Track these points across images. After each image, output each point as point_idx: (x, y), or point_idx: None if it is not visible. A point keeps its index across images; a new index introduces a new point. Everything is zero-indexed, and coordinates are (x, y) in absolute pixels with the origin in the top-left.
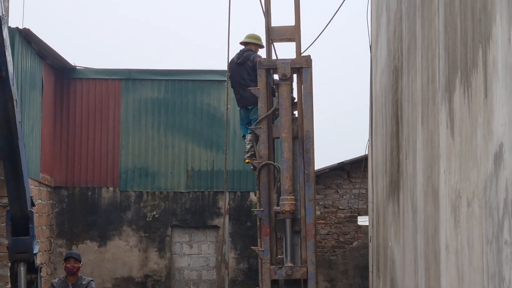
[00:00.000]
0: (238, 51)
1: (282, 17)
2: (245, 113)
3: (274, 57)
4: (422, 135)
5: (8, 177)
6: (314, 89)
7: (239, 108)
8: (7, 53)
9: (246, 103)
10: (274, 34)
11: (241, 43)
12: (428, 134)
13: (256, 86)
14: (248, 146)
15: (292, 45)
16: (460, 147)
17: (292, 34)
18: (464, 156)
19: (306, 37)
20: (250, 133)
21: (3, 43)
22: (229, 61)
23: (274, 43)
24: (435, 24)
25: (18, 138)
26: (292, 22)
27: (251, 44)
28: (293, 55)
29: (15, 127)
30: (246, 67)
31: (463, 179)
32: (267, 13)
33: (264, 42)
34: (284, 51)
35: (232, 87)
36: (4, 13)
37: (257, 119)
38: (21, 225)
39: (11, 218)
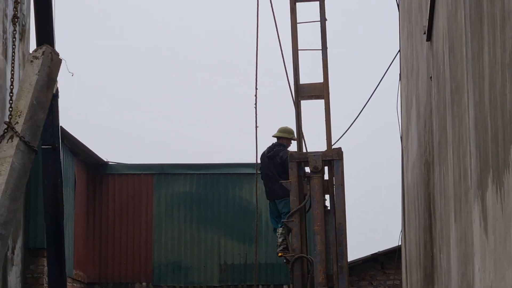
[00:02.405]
0: (271, 144)
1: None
2: (274, 206)
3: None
4: (456, 231)
5: (51, 263)
6: (346, 179)
7: (268, 201)
8: (59, 125)
9: (275, 196)
10: (303, 91)
11: (274, 137)
12: (462, 231)
13: (285, 181)
14: (280, 240)
15: (323, 138)
16: (494, 246)
17: (320, 91)
18: (498, 255)
19: (337, 127)
20: (281, 227)
21: (58, 116)
22: (261, 154)
23: (302, 100)
24: (466, 121)
25: (63, 218)
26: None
27: (282, 138)
28: (323, 147)
29: (62, 205)
30: (274, 161)
31: (498, 278)
32: (295, 71)
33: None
34: (315, 143)
35: (262, 179)
36: (58, 88)
37: (288, 212)
38: None
39: None
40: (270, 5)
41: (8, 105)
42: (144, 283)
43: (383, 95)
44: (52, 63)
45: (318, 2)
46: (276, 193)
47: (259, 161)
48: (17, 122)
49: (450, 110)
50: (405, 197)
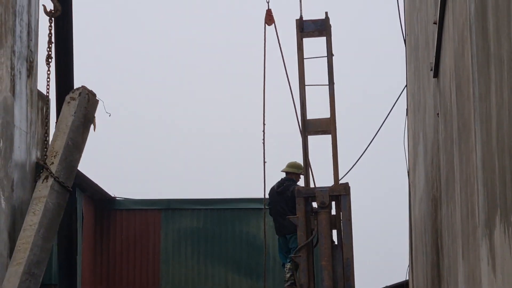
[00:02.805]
0: (279, 179)
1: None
2: (283, 242)
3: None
4: (464, 269)
5: None
6: (353, 214)
7: (277, 236)
8: None
9: (285, 231)
10: (310, 127)
11: (282, 171)
12: (470, 269)
13: (292, 216)
14: (288, 275)
15: (330, 172)
16: (503, 285)
17: (327, 126)
18: None
19: (344, 162)
20: (289, 262)
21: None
22: (270, 188)
23: (309, 136)
24: (473, 159)
25: (77, 254)
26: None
27: (292, 173)
28: (330, 182)
29: (76, 241)
30: (285, 196)
31: None
32: (302, 106)
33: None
34: (322, 177)
35: (270, 214)
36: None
37: (296, 247)
38: None
39: None
40: (277, 41)
41: (19, 143)
42: None
43: (390, 130)
44: (89, 104)
45: (325, 38)
46: (286, 228)
47: (267, 196)
48: (52, 163)
49: (457, 148)
50: (412, 232)
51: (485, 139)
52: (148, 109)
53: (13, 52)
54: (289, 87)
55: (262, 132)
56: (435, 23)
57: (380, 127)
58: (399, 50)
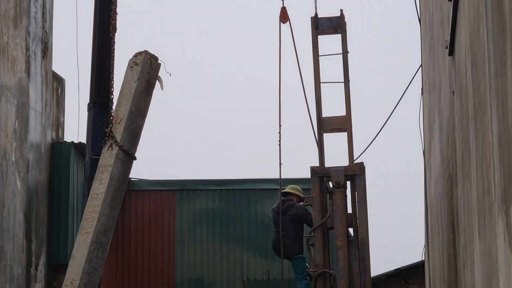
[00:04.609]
0: (279, 200)
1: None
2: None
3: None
4: (480, 246)
5: None
6: (368, 194)
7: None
8: None
9: (279, 254)
10: (325, 125)
11: (283, 192)
12: (486, 246)
13: (292, 236)
14: None
15: (345, 152)
16: None
17: (343, 124)
18: None
19: (359, 142)
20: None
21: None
22: (271, 209)
23: (325, 133)
24: (489, 136)
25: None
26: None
27: (292, 195)
28: (345, 162)
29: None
30: (283, 218)
31: None
32: (318, 104)
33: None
34: (336, 158)
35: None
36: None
37: (302, 271)
38: None
39: None
40: (292, 39)
41: (34, 124)
42: None
43: (405, 110)
44: (151, 68)
45: (340, 35)
46: (278, 251)
47: (280, 207)
48: (117, 131)
49: (473, 125)
50: (428, 212)
51: (501, 115)
52: (166, 93)
53: (28, 33)
54: (302, 85)
55: (278, 134)
56: (450, 0)
57: (395, 107)
58: (414, 29)
